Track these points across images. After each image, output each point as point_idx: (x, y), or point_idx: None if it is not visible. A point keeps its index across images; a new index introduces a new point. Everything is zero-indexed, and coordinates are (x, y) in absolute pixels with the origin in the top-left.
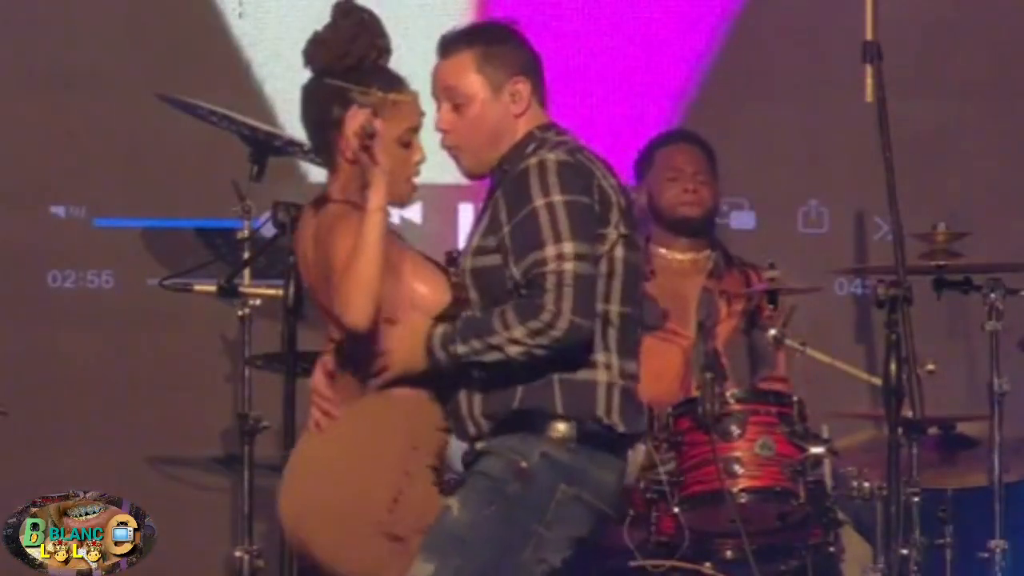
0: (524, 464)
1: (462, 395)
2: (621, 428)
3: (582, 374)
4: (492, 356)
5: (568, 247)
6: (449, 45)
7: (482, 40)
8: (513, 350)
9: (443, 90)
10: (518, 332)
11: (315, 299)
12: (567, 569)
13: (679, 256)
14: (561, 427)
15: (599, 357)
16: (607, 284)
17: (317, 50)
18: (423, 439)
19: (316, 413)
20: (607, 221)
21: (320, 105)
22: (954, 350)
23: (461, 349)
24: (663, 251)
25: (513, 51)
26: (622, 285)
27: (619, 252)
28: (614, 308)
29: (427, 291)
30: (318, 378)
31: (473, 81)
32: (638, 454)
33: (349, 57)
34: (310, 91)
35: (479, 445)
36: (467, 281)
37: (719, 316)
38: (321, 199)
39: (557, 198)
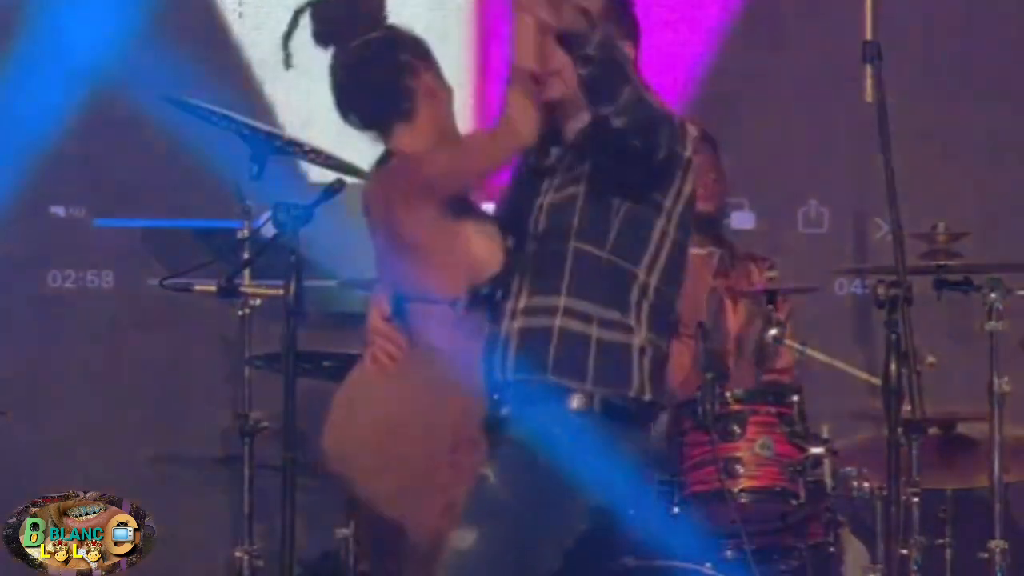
0: (553, 433)
1: (497, 357)
2: (648, 396)
3: (615, 335)
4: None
5: None
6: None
7: None
8: None
9: None
10: None
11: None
12: (592, 537)
13: (692, 251)
14: (587, 397)
15: (632, 323)
16: (653, 254)
17: (335, 21)
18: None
19: (377, 351)
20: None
21: (383, 60)
22: (954, 350)
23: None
24: None
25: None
26: (667, 261)
27: (672, 227)
28: (653, 282)
29: (485, 257)
30: (376, 318)
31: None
32: (659, 424)
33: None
34: (359, 56)
35: (505, 410)
36: None
37: (724, 315)
38: (391, 156)
39: None
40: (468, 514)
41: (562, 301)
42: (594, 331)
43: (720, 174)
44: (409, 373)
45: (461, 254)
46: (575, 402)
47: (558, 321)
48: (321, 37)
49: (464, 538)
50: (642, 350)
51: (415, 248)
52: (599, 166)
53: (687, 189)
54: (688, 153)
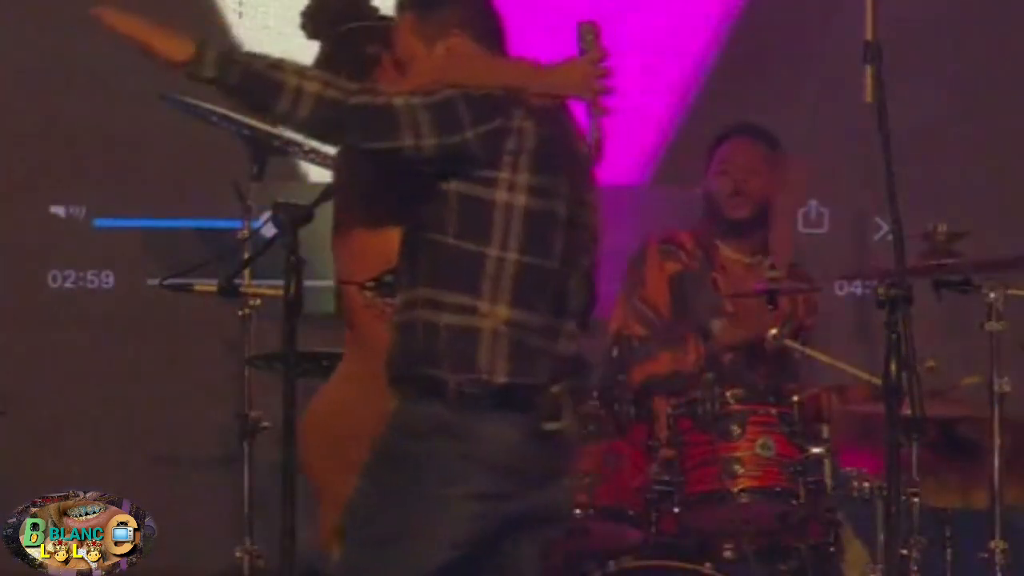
0: (417, 427)
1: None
2: (502, 379)
3: (463, 319)
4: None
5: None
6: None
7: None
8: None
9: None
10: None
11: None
12: (478, 525)
13: (733, 255)
14: (446, 384)
15: (482, 305)
16: (502, 229)
17: (318, 14)
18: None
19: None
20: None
21: (347, 54)
22: (954, 350)
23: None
24: (725, 249)
25: (449, 8)
26: (523, 233)
27: (519, 198)
28: (511, 255)
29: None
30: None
31: (410, 43)
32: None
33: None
34: (326, 52)
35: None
36: None
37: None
38: None
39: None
40: (344, 525)
41: (421, 292)
42: (443, 318)
43: (765, 169)
44: (352, 359)
45: (377, 239)
46: (432, 391)
47: (418, 313)
48: (306, 30)
49: (338, 552)
50: (495, 331)
51: (337, 227)
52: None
53: (528, 158)
54: (516, 122)
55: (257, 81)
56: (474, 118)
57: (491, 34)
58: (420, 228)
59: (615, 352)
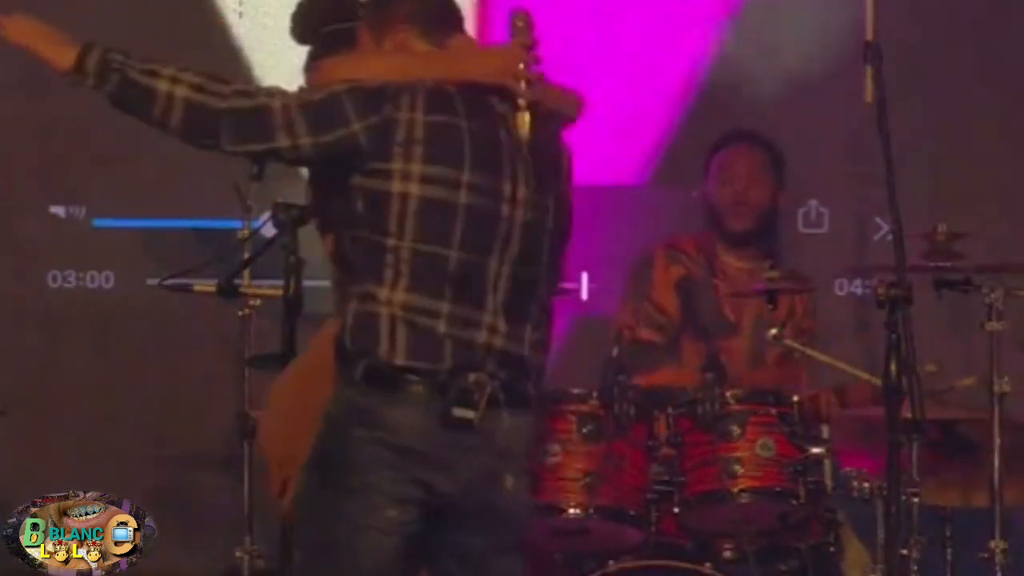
0: (338, 416)
1: None
2: (400, 361)
3: (366, 307)
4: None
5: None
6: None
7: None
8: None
9: None
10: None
11: None
12: (406, 509)
13: (735, 263)
14: (354, 368)
15: (381, 292)
16: (398, 219)
17: (305, 17)
18: None
19: None
20: (387, 154)
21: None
22: (954, 350)
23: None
24: (726, 256)
25: (395, 3)
26: (417, 221)
27: (413, 188)
28: (406, 243)
29: None
30: None
31: (364, 39)
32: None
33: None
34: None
35: None
36: None
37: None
38: None
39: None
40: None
41: (350, 287)
42: (352, 306)
43: (766, 178)
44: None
45: (326, 239)
46: (348, 378)
47: (343, 306)
48: (294, 34)
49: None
50: (392, 316)
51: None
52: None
53: (420, 148)
54: (404, 113)
55: (133, 89)
56: (360, 111)
57: (442, 25)
58: (340, 226)
59: (615, 352)
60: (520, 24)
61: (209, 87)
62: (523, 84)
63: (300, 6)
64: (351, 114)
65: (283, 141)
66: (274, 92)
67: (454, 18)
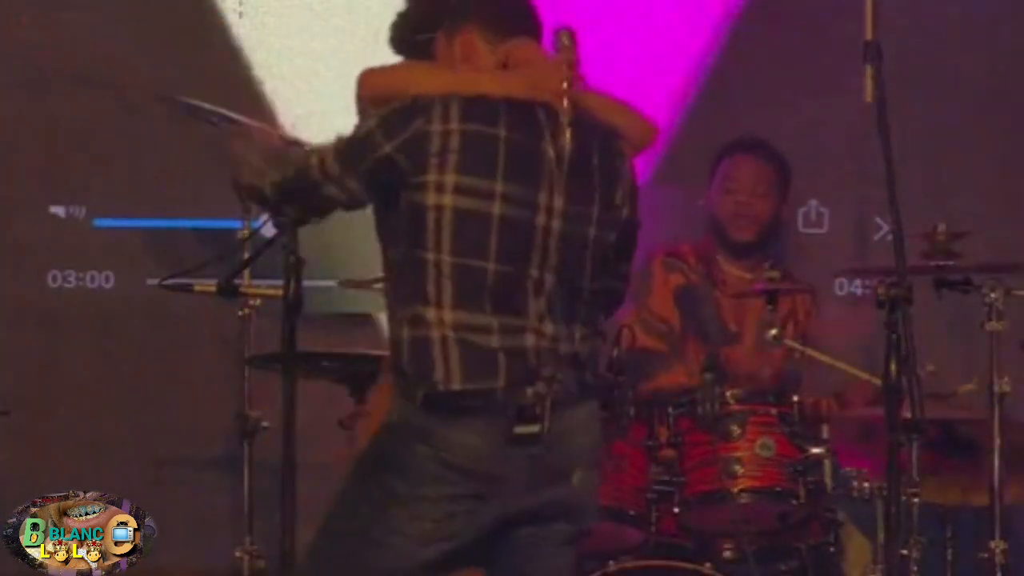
0: (398, 430)
1: None
2: (457, 386)
3: (418, 331)
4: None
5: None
6: None
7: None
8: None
9: None
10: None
11: None
12: (451, 523)
13: (736, 272)
14: (414, 391)
15: (429, 312)
16: (434, 231)
17: (400, 26)
18: None
19: None
20: (423, 166)
21: None
22: (954, 350)
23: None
24: (726, 265)
25: (465, 5)
26: (452, 233)
27: (447, 199)
28: (445, 257)
29: None
30: None
31: (439, 42)
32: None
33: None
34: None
35: None
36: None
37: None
38: None
39: None
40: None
41: (401, 310)
42: (404, 332)
43: (771, 190)
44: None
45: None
46: (407, 398)
47: (393, 327)
48: (392, 44)
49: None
50: (444, 338)
51: None
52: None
53: (454, 157)
54: (437, 124)
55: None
56: (389, 133)
57: (506, 20)
58: (388, 244)
59: (615, 352)
60: (565, 42)
61: (271, 174)
62: (565, 101)
63: (399, 16)
64: (381, 139)
65: (330, 190)
66: (314, 150)
67: (520, 20)
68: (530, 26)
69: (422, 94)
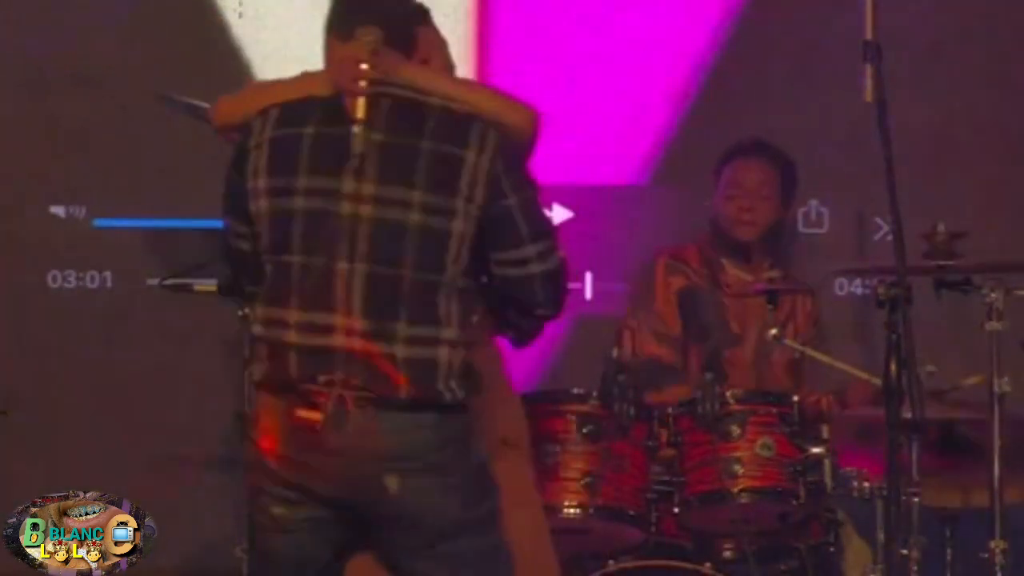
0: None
1: None
2: (258, 378)
3: (249, 328)
4: None
5: None
6: None
7: None
8: None
9: None
10: None
11: None
12: (291, 509)
13: (739, 274)
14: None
15: (254, 310)
16: (259, 233)
17: None
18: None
19: None
20: (245, 180)
21: None
22: (954, 350)
23: None
24: (730, 267)
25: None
26: (266, 232)
27: (263, 203)
28: (265, 257)
29: None
30: None
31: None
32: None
33: None
34: None
35: None
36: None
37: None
38: None
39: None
40: None
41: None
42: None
43: (774, 193)
44: None
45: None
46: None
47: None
48: None
49: None
50: (256, 334)
51: None
52: None
53: (264, 164)
54: (255, 139)
55: None
56: (232, 164)
57: (344, 25)
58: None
59: (615, 352)
60: (360, 35)
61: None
62: (355, 92)
63: None
64: (231, 172)
65: (240, 244)
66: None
67: (357, 14)
68: (374, 17)
69: (251, 112)
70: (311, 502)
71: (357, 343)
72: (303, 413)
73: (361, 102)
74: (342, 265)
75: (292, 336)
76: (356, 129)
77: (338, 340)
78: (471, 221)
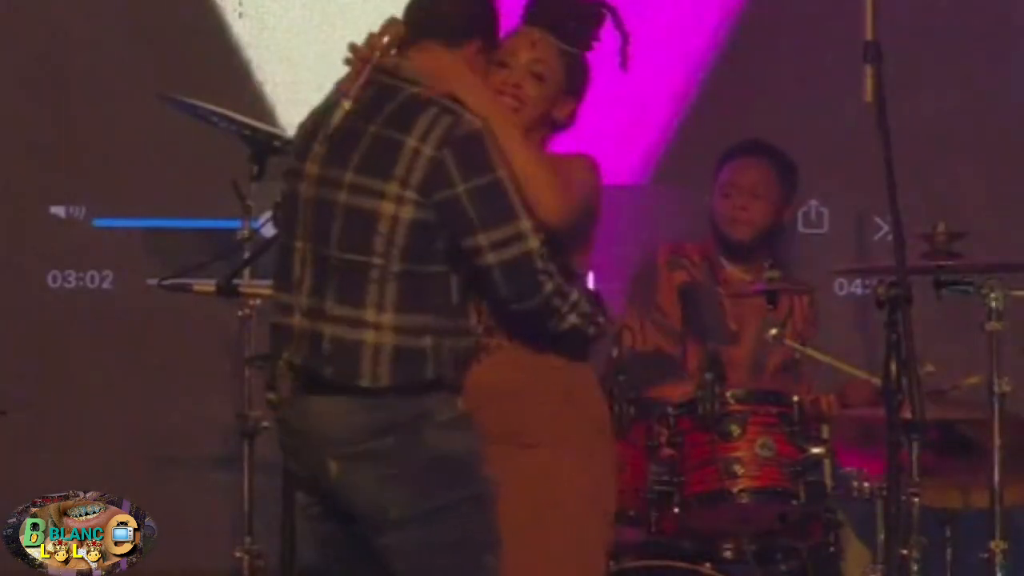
0: None
1: None
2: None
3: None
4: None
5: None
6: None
7: None
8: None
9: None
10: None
11: None
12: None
13: (737, 273)
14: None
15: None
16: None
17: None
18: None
19: None
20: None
21: None
22: (954, 350)
23: None
24: (728, 265)
25: None
26: (282, 214)
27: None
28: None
29: None
30: None
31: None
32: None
33: None
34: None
35: None
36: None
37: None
38: None
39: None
40: None
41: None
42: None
43: (770, 192)
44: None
45: None
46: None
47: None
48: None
49: None
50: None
51: None
52: None
53: (292, 148)
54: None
55: None
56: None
57: (409, 37)
58: None
59: (615, 352)
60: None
61: None
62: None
63: None
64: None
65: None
66: None
67: (420, 27)
68: (429, 29)
69: None
70: (304, 488)
71: (302, 321)
72: (268, 395)
73: (354, 79)
74: (298, 244)
75: (274, 316)
76: (345, 104)
77: (295, 319)
78: (408, 205)
